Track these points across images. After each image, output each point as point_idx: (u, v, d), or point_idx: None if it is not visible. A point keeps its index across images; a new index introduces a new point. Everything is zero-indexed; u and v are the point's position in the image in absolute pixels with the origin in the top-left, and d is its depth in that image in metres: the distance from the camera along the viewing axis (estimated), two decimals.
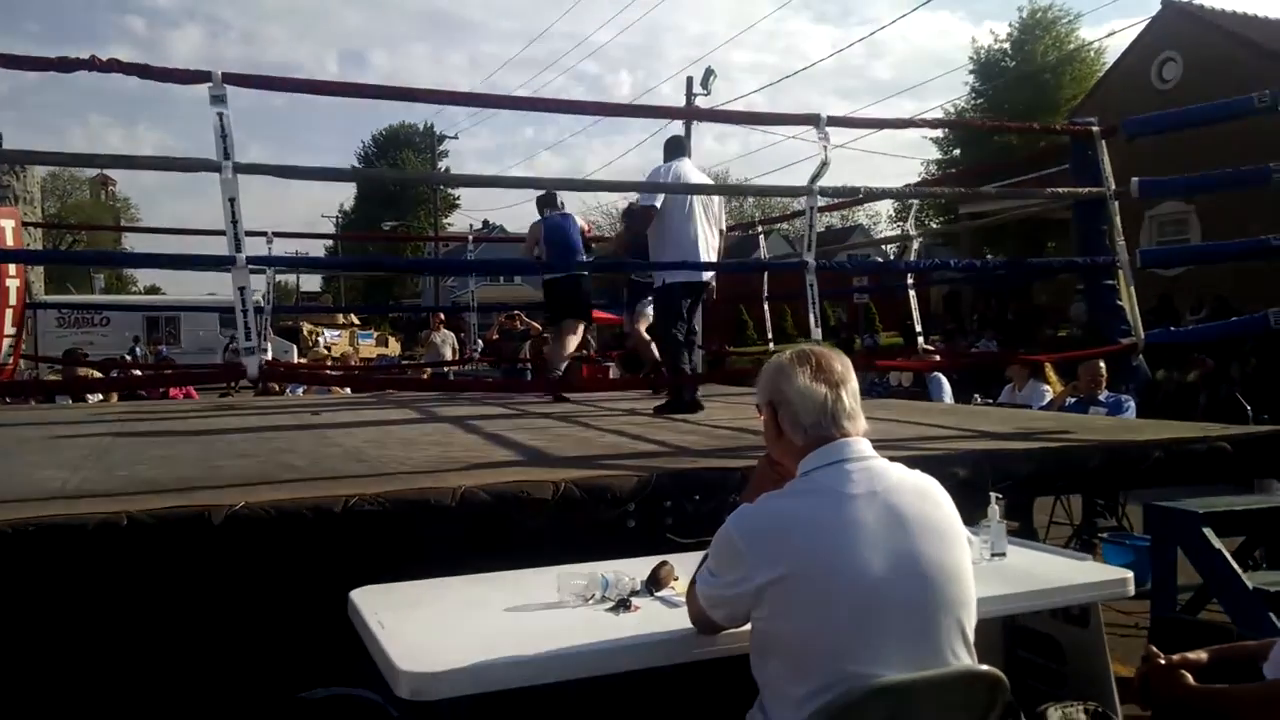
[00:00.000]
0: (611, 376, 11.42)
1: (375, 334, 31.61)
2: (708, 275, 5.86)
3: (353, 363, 17.63)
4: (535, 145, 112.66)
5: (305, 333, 26.32)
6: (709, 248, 5.72)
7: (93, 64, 3.34)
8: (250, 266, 3.64)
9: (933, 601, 1.81)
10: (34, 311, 11.05)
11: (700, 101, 23.95)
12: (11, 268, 7.44)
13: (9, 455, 4.02)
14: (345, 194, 57.88)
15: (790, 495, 1.91)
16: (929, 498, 1.91)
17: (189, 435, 4.82)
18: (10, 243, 7.17)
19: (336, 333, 28.51)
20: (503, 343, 12.65)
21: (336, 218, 55.89)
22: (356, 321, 31.70)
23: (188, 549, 2.60)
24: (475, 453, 3.94)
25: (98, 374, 9.25)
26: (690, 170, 5.89)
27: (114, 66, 3.36)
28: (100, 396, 7.74)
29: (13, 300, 7.36)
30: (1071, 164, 5.42)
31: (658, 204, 5.61)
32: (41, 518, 2.53)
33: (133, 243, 45.42)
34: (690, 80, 25.46)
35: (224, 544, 2.62)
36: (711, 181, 5.80)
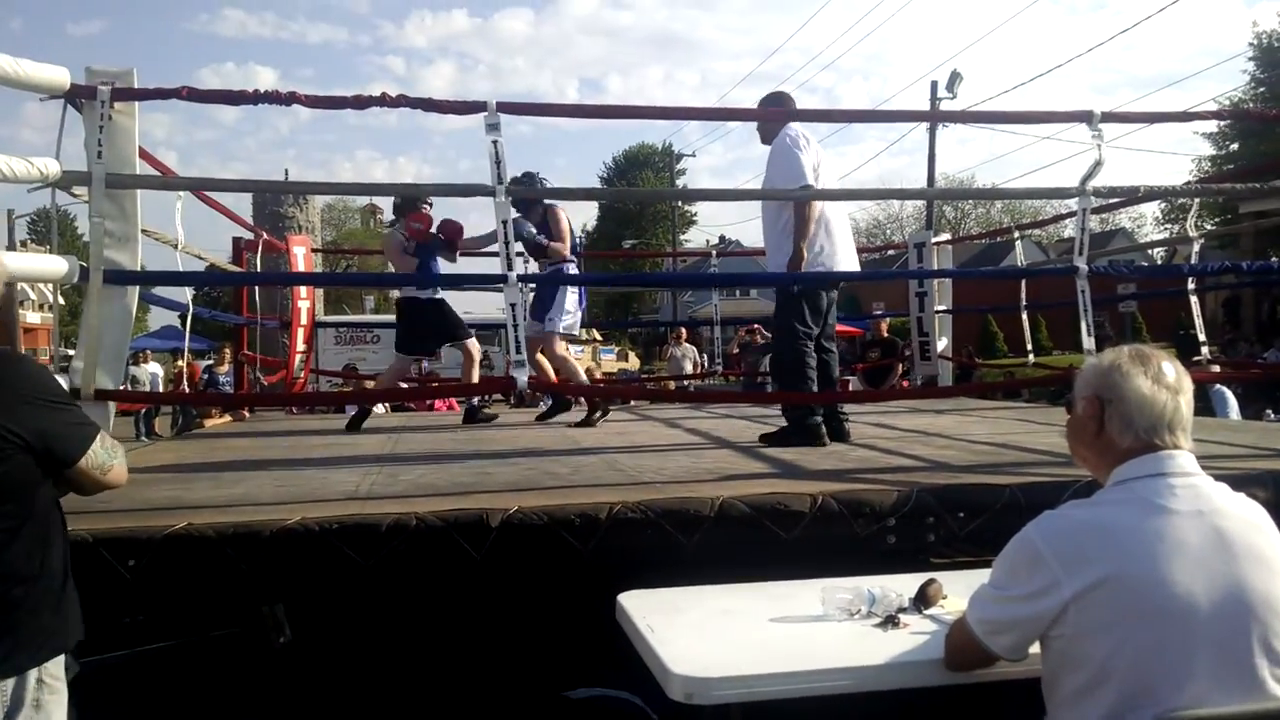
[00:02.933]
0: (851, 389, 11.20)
1: (616, 349, 32.55)
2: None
3: (596, 376, 18.19)
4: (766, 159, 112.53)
5: None
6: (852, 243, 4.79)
7: (383, 100, 3.66)
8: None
9: (1254, 633, 1.65)
10: (316, 330, 12.18)
11: (947, 106, 23.18)
12: (303, 290, 8.24)
13: (308, 461, 4.43)
14: (589, 214, 60.06)
15: (1104, 504, 1.79)
16: (1256, 524, 1.75)
17: (457, 444, 5.14)
18: (303, 267, 7.94)
19: (579, 348, 29.60)
20: (743, 356, 12.70)
21: (580, 238, 58.02)
22: (598, 337, 32.81)
23: (467, 549, 2.78)
24: (727, 464, 3.98)
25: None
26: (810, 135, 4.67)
27: (402, 102, 3.67)
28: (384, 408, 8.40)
29: (304, 320, 8.14)
30: None
31: (818, 183, 4.49)
32: (343, 517, 2.79)
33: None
34: (934, 84, 24.70)
35: (498, 545, 2.78)
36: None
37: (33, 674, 1.93)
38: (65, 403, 2.07)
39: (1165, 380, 1.81)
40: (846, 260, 4.73)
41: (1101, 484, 1.86)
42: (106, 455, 2.11)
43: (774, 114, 4.66)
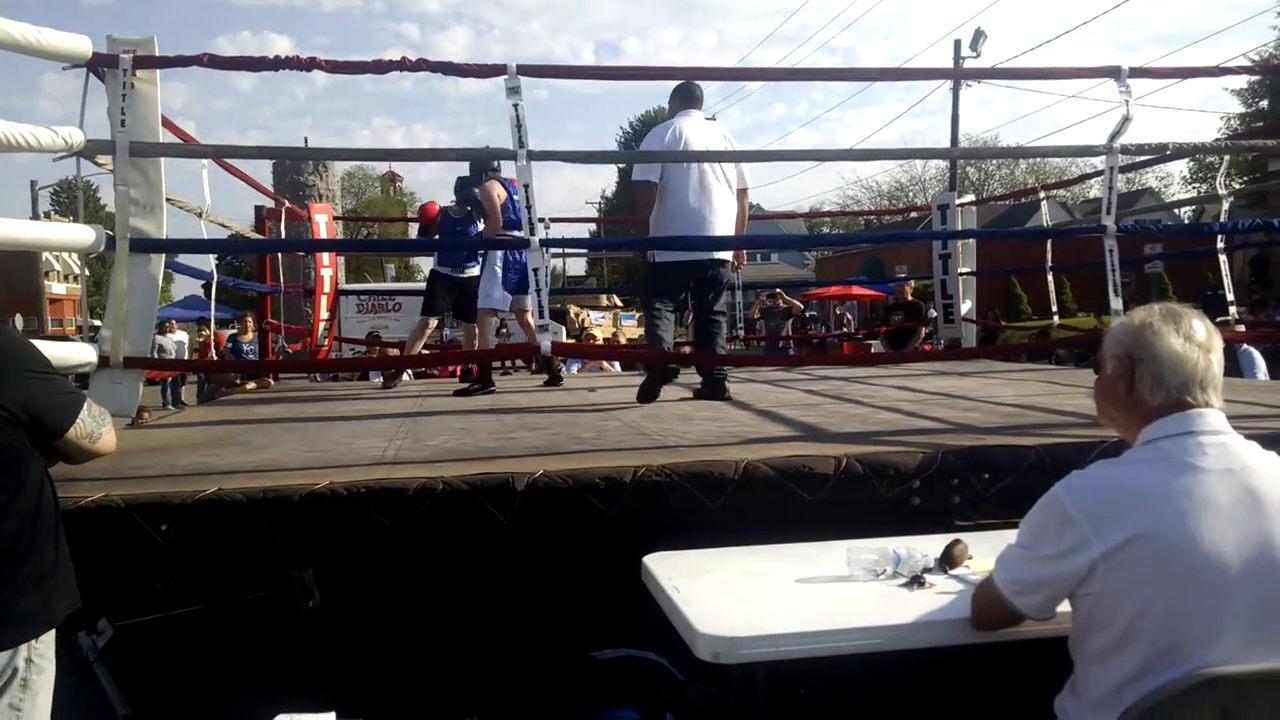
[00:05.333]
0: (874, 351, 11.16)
1: (637, 315, 32.49)
2: (725, 252, 5.12)
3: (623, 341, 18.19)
4: (787, 122, 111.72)
5: (572, 314, 27.49)
6: (723, 216, 4.98)
7: (404, 65, 3.65)
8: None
9: None
10: (339, 298, 12.24)
11: (971, 64, 22.86)
12: (325, 258, 8.27)
13: (333, 426, 4.47)
14: (608, 180, 59.79)
15: (1133, 463, 1.79)
16: None
17: (481, 410, 5.16)
18: (325, 234, 7.97)
19: (601, 314, 29.58)
20: (765, 319, 12.68)
21: (599, 203, 58.00)
22: (620, 303, 32.75)
23: (493, 512, 2.80)
24: (750, 427, 3.98)
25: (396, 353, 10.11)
26: (695, 129, 4.96)
27: (422, 66, 3.67)
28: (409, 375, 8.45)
29: (327, 288, 8.17)
30: None
31: (655, 179, 4.88)
32: (371, 481, 2.82)
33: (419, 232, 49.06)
34: (958, 43, 24.39)
35: (524, 509, 2.81)
36: (724, 135, 5.10)
37: (22, 650, 1.93)
38: (49, 372, 2.05)
39: (1196, 338, 1.80)
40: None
41: (1130, 444, 1.86)
42: (95, 423, 2.10)
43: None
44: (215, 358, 13.05)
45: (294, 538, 2.75)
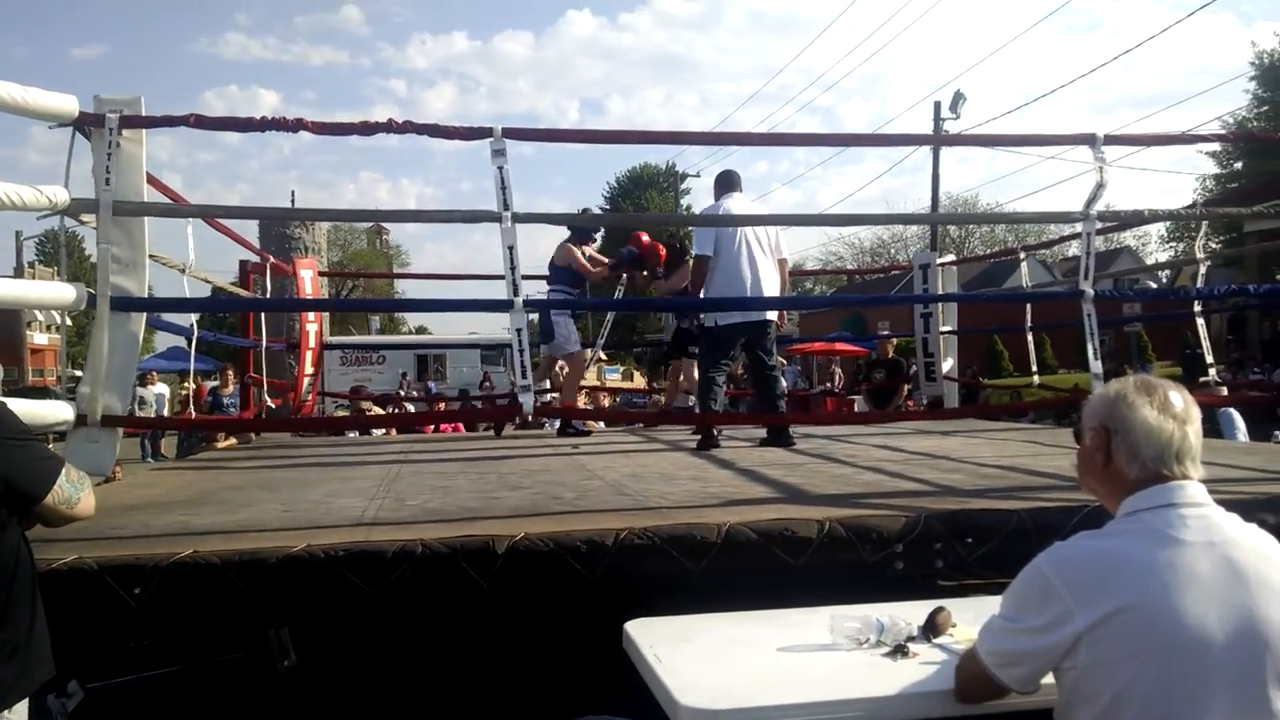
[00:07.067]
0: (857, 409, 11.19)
1: (621, 368, 32.54)
2: (771, 313, 5.87)
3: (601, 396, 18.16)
4: (769, 179, 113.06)
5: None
6: (767, 282, 5.68)
7: (390, 127, 3.68)
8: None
9: (1268, 664, 1.64)
10: (323, 351, 12.20)
11: (950, 126, 23.25)
12: (311, 313, 8.25)
13: (313, 484, 4.42)
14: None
15: (1115, 535, 1.79)
16: (1268, 555, 1.74)
17: (464, 465, 5.12)
18: (310, 291, 7.97)
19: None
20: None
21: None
22: (603, 357, 32.79)
23: (473, 576, 2.77)
24: (733, 488, 3.97)
25: (379, 410, 10.07)
26: (739, 207, 5.87)
27: (408, 128, 3.70)
28: (384, 430, 8.40)
29: (312, 343, 8.15)
30: None
31: (710, 252, 5.63)
32: (350, 544, 2.78)
33: (404, 286, 49.25)
34: (938, 105, 24.78)
35: (504, 572, 2.77)
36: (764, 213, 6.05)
37: None
38: (25, 438, 2.02)
39: (1172, 410, 1.81)
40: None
41: (1112, 514, 1.86)
42: (73, 489, 2.07)
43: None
44: (197, 411, 12.97)
45: (271, 600, 2.71)
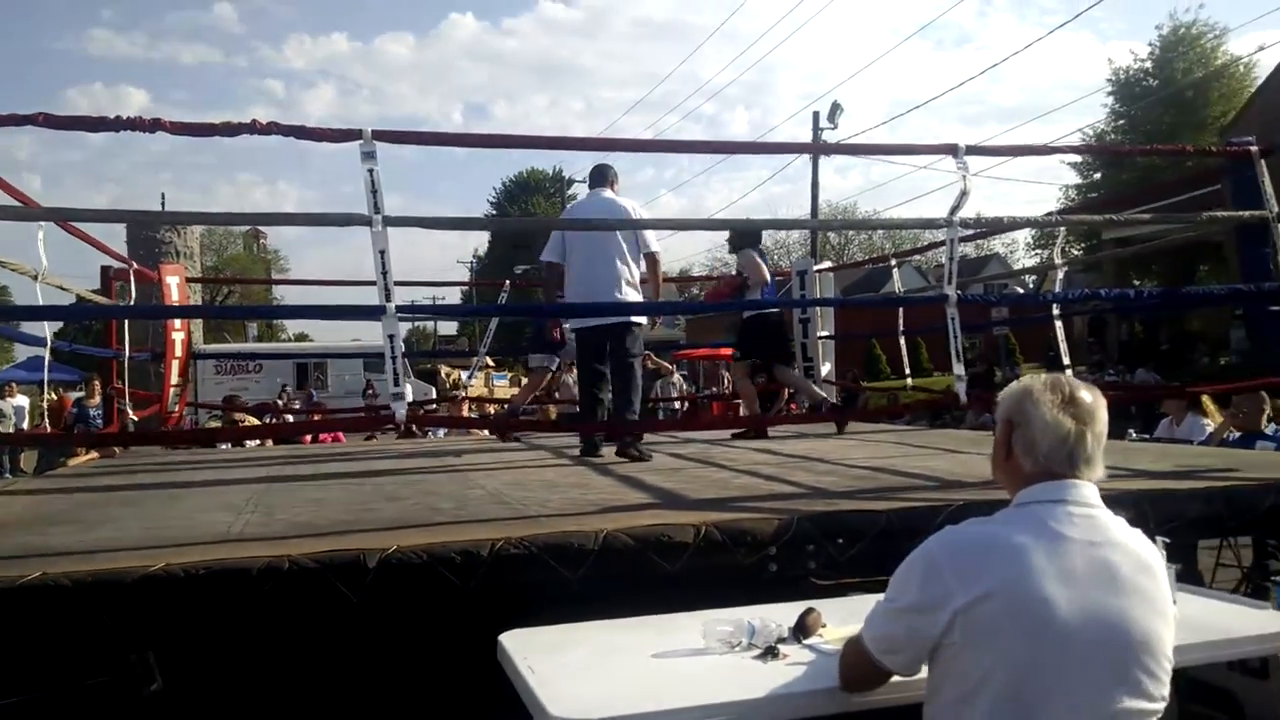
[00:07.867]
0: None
1: (510, 375, 32.23)
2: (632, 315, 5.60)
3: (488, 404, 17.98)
4: (656, 185, 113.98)
5: (443, 375, 27.08)
6: (627, 282, 5.50)
7: (254, 128, 3.56)
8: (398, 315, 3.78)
9: (1126, 667, 1.72)
10: (194, 360, 11.73)
11: (828, 135, 23.86)
12: (177, 321, 7.93)
13: (178, 499, 4.25)
14: (480, 239, 59.74)
15: (1003, 522, 1.85)
16: (1147, 566, 1.82)
17: (340, 478, 5.00)
18: (176, 297, 7.65)
19: (470, 375, 29.18)
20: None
21: (471, 262, 57.78)
22: (491, 364, 32.44)
23: (343, 591, 2.70)
24: (613, 495, 3.97)
25: (254, 420, 9.73)
26: (592, 206, 5.69)
27: (274, 129, 3.58)
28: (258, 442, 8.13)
29: (179, 352, 7.83)
30: (1230, 186, 5.14)
31: (555, 258, 5.59)
32: (212, 561, 2.68)
33: (283, 292, 47.84)
34: (816, 115, 25.36)
35: (376, 586, 2.71)
36: (631, 205, 5.67)
37: None
38: None
39: (1074, 409, 1.86)
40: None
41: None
42: None
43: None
44: (58, 423, 12.32)
45: (128, 623, 2.59)
